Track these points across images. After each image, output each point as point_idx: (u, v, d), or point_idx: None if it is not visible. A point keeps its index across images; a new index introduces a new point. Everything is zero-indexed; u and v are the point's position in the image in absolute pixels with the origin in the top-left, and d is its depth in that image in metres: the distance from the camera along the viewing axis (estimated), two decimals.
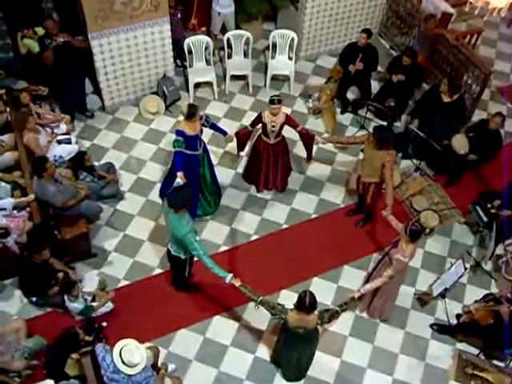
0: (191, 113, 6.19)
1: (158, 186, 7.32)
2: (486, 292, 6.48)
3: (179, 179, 6.03)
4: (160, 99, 8.25)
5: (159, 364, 5.63)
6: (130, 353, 4.70)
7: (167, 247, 5.82)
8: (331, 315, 5.11)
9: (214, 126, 6.78)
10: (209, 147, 7.66)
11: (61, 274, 6.15)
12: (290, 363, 5.67)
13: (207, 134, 7.29)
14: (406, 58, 7.75)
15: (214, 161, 7.71)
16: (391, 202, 6.10)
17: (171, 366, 5.82)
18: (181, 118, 6.48)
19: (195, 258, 5.66)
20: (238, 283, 5.24)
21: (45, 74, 7.72)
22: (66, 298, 5.92)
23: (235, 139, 6.99)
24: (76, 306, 5.91)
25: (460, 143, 7.26)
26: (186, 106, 6.27)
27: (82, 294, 6.03)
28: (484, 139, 7.15)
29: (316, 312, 5.00)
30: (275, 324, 5.98)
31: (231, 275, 5.26)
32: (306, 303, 4.83)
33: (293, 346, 5.42)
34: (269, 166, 7.10)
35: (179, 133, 6.27)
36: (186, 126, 6.28)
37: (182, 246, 5.50)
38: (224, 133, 6.90)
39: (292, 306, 5.03)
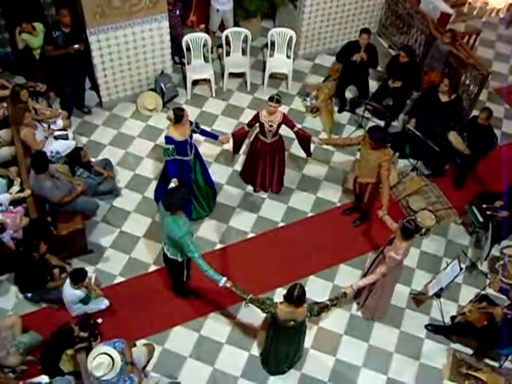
0: (178, 116, 6.09)
1: (155, 182, 7.31)
2: (480, 292, 6.51)
3: (173, 184, 6.04)
4: (158, 96, 8.23)
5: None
6: (97, 366, 4.74)
7: (163, 251, 5.78)
8: (321, 308, 5.16)
9: (204, 132, 6.72)
10: (206, 144, 7.70)
11: (56, 270, 6.15)
12: (279, 356, 5.70)
13: None
14: (403, 53, 7.71)
15: (212, 158, 7.73)
16: (387, 202, 6.10)
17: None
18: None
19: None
20: (229, 284, 5.27)
21: (46, 67, 7.72)
22: (68, 285, 5.86)
23: (231, 140, 6.95)
24: (79, 293, 5.87)
25: (457, 139, 7.32)
26: (172, 110, 6.18)
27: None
28: (476, 134, 7.18)
29: (305, 305, 5.04)
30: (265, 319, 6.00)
31: (225, 279, 5.27)
32: (294, 296, 4.88)
33: (282, 339, 5.46)
34: (265, 166, 7.09)
35: (168, 139, 6.18)
36: (175, 131, 6.20)
37: (178, 248, 5.48)
38: (215, 137, 6.86)
39: (281, 299, 5.08)
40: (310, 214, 7.30)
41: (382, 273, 5.54)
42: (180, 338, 6.12)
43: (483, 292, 6.45)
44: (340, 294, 5.38)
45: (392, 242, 5.56)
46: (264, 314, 5.54)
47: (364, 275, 6.27)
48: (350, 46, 8.06)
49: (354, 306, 6.48)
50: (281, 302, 5.07)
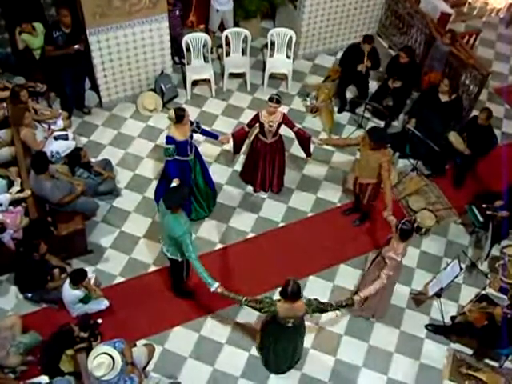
0: (179, 116, 6.09)
1: (155, 182, 7.31)
2: (480, 292, 6.50)
3: (175, 183, 6.05)
4: (157, 96, 8.23)
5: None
6: (98, 366, 4.73)
7: (162, 251, 5.78)
8: (325, 306, 5.15)
9: (204, 132, 6.72)
10: (206, 144, 7.70)
11: (56, 270, 6.15)
12: (279, 356, 5.70)
13: None
14: (403, 54, 7.71)
15: (212, 158, 7.73)
16: (390, 202, 6.06)
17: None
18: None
19: None
20: (220, 290, 5.25)
21: (46, 68, 7.71)
22: (68, 286, 5.85)
23: (231, 140, 6.95)
24: (78, 293, 5.87)
25: (457, 139, 7.31)
26: (173, 110, 6.18)
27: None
28: (476, 134, 7.18)
29: (303, 299, 5.04)
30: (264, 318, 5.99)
31: (218, 284, 5.24)
32: (289, 291, 4.88)
33: (281, 339, 5.46)
34: (265, 166, 7.09)
35: (169, 139, 6.18)
36: (176, 131, 6.20)
37: (178, 247, 5.48)
38: (215, 137, 6.86)
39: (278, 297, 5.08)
40: (310, 214, 7.30)
41: (386, 275, 5.49)
42: (180, 338, 6.12)
43: (483, 292, 6.46)
44: (347, 300, 5.33)
45: (389, 242, 5.56)
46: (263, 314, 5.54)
47: (364, 275, 6.27)
48: (352, 50, 8.05)
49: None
50: (278, 300, 5.07)
